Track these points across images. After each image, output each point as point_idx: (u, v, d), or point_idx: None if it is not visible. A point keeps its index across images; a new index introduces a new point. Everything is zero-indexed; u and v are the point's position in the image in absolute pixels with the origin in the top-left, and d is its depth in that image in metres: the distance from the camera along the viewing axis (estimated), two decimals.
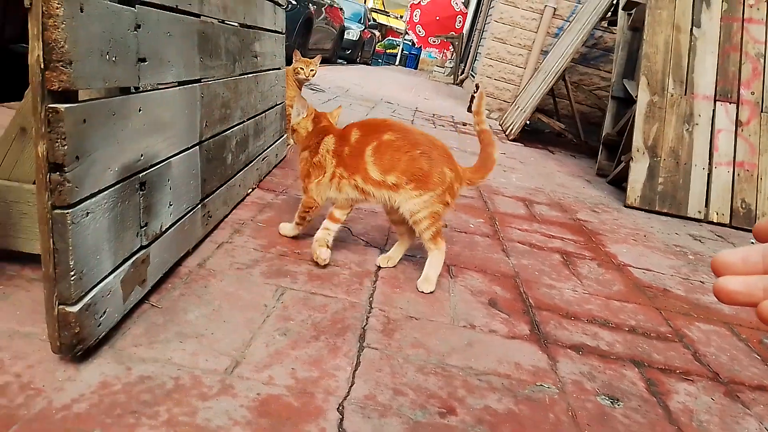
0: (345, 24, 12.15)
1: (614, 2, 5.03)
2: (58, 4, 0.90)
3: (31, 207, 1.31)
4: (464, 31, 13.92)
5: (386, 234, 2.11)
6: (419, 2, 16.30)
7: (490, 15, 8.72)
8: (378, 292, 1.61)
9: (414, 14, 16.17)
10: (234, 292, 1.45)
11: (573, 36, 5.39)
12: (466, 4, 16.10)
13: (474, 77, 8.81)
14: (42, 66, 0.91)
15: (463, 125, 5.95)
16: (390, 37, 23.81)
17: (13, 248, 1.33)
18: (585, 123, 6.15)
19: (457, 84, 12.36)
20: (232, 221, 1.93)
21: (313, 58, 3.23)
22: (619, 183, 4.06)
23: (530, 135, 5.98)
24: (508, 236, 2.36)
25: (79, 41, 0.96)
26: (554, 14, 6.90)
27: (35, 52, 0.91)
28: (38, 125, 0.93)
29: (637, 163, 3.60)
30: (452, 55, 14.65)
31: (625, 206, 3.47)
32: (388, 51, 21.40)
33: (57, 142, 0.94)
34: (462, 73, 12.23)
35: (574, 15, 6.71)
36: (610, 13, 5.19)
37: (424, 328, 1.45)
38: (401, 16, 23.79)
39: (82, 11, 0.96)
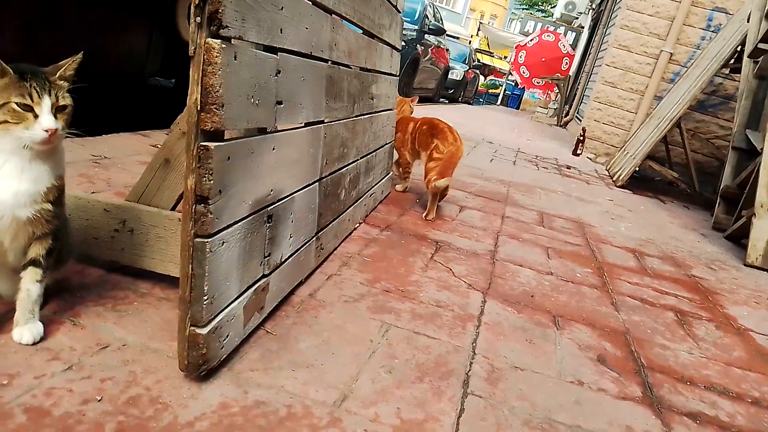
0: (450, 64, 12.34)
1: (738, 49, 4.78)
2: (217, 53, 0.99)
3: (166, 231, 1.42)
4: (571, 73, 13.71)
5: (489, 278, 2.09)
6: (525, 44, 16.28)
7: (601, 58, 8.54)
8: (481, 338, 1.60)
9: (519, 55, 16.15)
10: (342, 325, 1.50)
11: (691, 82, 5.16)
12: (574, 46, 15.88)
13: (580, 120, 8.62)
14: (198, 108, 1.00)
15: (567, 168, 5.82)
16: (492, 77, 23.88)
17: (147, 268, 1.45)
18: (700, 173, 5.82)
19: (560, 126, 12.14)
20: (341, 254, 2.00)
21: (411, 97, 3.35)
22: (738, 239, 3.79)
23: (639, 182, 5.74)
24: (618, 289, 2.27)
25: (231, 86, 1.05)
26: (670, 59, 6.65)
27: (194, 95, 1.00)
28: (189, 161, 1.02)
29: (761, 219, 3.35)
30: (556, 96, 14.44)
31: (745, 265, 3.22)
32: (490, 91, 21.44)
33: (205, 176, 1.03)
34: (566, 115, 12.00)
35: (692, 60, 6.44)
36: (733, 60, 4.93)
37: (530, 379, 1.42)
38: (505, 57, 23.83)
39: (235, 59, 1.06)
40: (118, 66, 2.95)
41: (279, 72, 1.28)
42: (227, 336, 1.18)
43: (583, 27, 16.05)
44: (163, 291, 1.45)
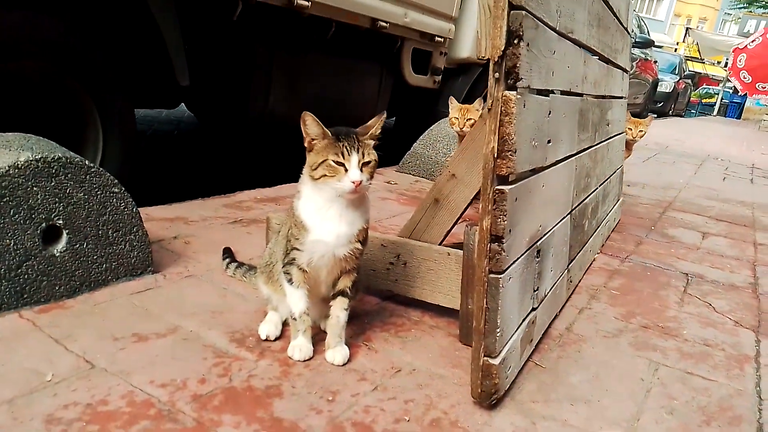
0: (659, 76, 11.51)
1: None
2: (513, 104, 1.07)
3: (436, 264, 1.54)
4: None
5: (757, 314, 1.90)
6: (745, 46, 14.54)
7: None
8: (765, 381, 1.46)
9: (738, 59, 14.45)
10: (607, 361, 1.48)
11: None
12: None
13: None
14: (495, 155, 1.09)
15: None
16: (705, 85, 21.65)
17: (418, 297, 1.58)
18: None
19: None
20: (585, 287, 1.97)
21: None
22: None
23: None
24: None
25: (521, 132, 1.12)
26: None
27: (490, 144, 1.09)
28: (485, 204, 1.11)
29: None
30: None
31: None
32: (703, 101, 19.43)
33: (499, 217, 1.10)
34: None
35: None
36: None
37: None
38: (719, 62, 21.49)
39: (524, 107, 1.13)
40: (357, 110, 3.26)
41: (550, 112, 1.33)
42: (510, 367, 1.24)
43: None
44: (433, 319, 1.57)
